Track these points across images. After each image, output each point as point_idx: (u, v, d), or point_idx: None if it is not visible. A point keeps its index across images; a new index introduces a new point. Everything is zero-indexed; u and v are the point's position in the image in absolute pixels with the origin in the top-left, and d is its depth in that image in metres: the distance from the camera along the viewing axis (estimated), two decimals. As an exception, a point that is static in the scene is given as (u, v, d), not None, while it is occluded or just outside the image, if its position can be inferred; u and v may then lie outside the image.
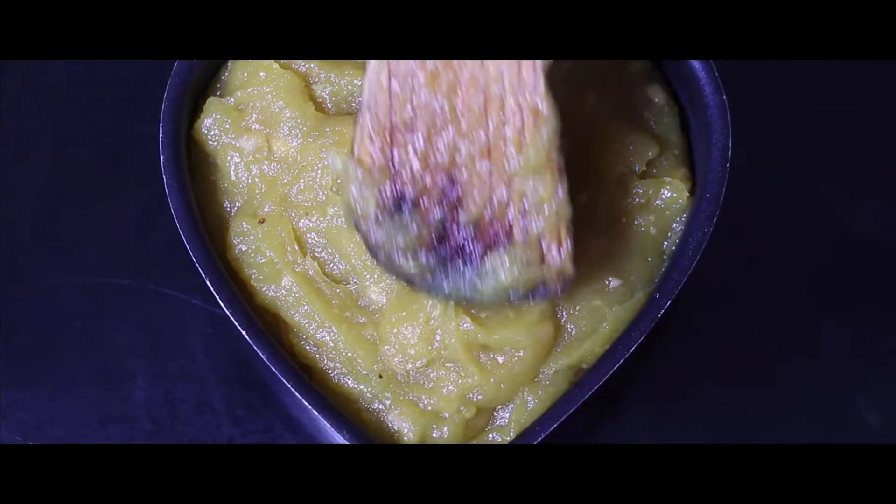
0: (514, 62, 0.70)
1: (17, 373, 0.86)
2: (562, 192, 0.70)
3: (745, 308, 0.88)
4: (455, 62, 0.71)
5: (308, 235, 0.81)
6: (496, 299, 0.72)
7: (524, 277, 0.71)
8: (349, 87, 0.83)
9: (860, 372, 0.87)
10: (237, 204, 0.82)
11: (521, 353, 0.77)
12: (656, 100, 0.84)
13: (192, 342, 0.86)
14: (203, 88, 0.85)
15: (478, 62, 0.70)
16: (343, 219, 0.80)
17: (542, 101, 0.70)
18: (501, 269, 0.71)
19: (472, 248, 0.71)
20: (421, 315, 0.77)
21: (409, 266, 0.72)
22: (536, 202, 0.70)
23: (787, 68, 0.93)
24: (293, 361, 0.79)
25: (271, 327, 0.80)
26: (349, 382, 0.79)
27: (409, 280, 0.73)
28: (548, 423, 0.76)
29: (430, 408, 0.78)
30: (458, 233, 0.71)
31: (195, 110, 0.83)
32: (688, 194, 0.80)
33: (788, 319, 0.88)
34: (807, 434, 0.85)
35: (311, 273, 0.80)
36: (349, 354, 0.79)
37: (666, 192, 0.80)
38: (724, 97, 0.79)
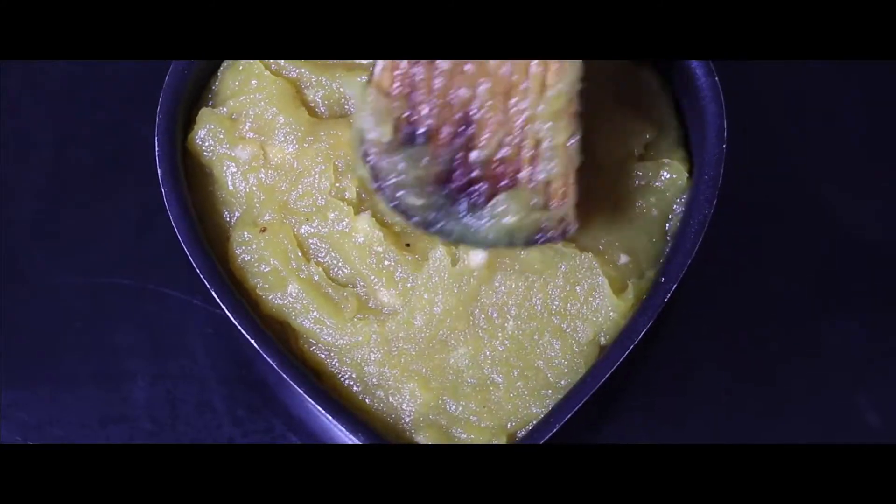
0: None
1: (17, 373, 0.86)
2: (575, 140, 0.70)
3: (746, 308, 0.88)
4: None
5: (310, 241, 0.81)
6: (497, 242, 0.72)
7: (528, 221, 0.71)
8: (341, 89, 0.83)
9: (860, 372, 0.87)
10: (236, 213, 0.82)
11: None
12: (651, 85, 0.84)
13: (192, 342, 0.86)
14: (196, 99, 0.85)
15: None
16: (345, 222, 0.80)
17: None
18: (506, 212, 0.71)
19: (479, 188, 0.71)
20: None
21: (414, 202, 0.71)
22: (550, 147, 0.70)
23: (786, 68, 0.93)
24: (304, 367, 0.79)
25: (279, 335, 0.80)
26: (356, 386, 0.79)
27: (410, 217, 0.72)
28: (553, 423, 0.76)
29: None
30: (468, 171, 0.71)
31: (189, 121, 0.84)
32: (687, 175, 0.81)
33: (788, 319, 0.88)
34: (807, 434, 0.85)
35: (316, 278, 0.80)
36: (360, 357, 0.79)
37: (665, 173, 0.81)
38: (716, 79, 0.80)
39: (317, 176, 0.81)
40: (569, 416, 0.75)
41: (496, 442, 0.77)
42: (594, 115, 0.81)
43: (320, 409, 0.76)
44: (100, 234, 0.89)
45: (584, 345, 0.79)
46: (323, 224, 0.80)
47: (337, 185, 0.81)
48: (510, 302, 0.79)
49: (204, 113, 0.83)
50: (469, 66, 0.70)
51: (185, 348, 0.86)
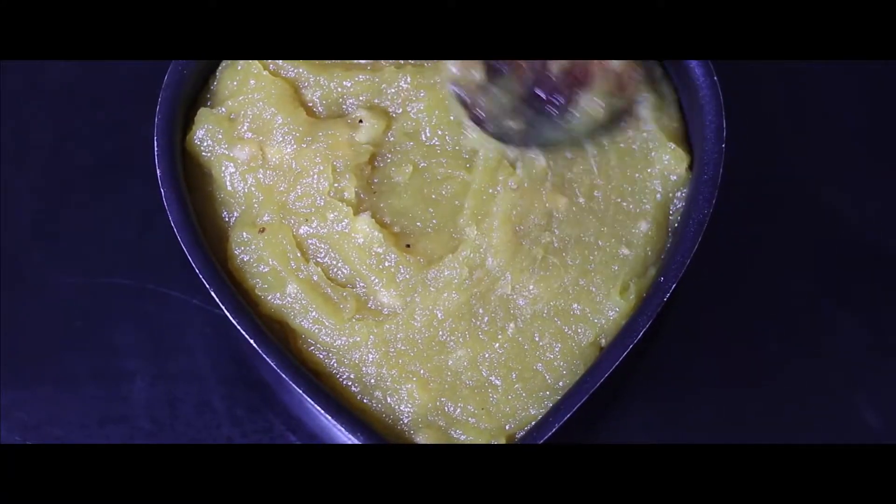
0: None
1: (17, 373, 0.85)
2: None
3: (745, 308, 0.88)
4: None
5: (309, 242, 0.81)
6: (590, 132, 0.80)
7: (610, 108, 0.79)
8: (339, 89, 0.84)
9: (860, 372, 0.87)
10: (235, 214, 0.82)
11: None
12: (653, 74, 0.85)
13: (192, 342, 0.86)
14: (194, 99, 0.85)
15: None
16: (344, 223, 0.80)
17: None
18: (591, 104, 0.78)
19: (564, 93, 0.78)
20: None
21: (511, 125, 0.78)
22: None
23: (786, 68, 0.93)
24: (304, 368, 0.79)
25: (278, 335, 0.80)
26: (355, 387, 0.79)
27: (510, 140, 0.80)
28: (553, 423, 0.76)
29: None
30: (551, 84, 0.78)
31: (189, 121, 0.84)
32: (686, 165, 0.81)
33: (788, 319, 0.88)
34: (807, 434, 0.85)
35: (315, 279, 0.80)
36: (358, 357, 0.79)
37: (666, 157, 0.81)
38: (716, 79, 0.80)
39: (315, 176, 0.81)
40: (568, 415, 0.75)
41: (495, 443, 0.77)
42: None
43: (320, 408, 0.76)
44: (100, 234, 0.89)
45: (584, 347, 0.79)
46: (322, 225, 0.80)
47: (336, 185, 0.81)
48: (518, 302, 0.79)
49: (202, 113, 0.83)
50: None
51: (185, 348, 0.86)
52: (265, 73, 0.83)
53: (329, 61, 0.84)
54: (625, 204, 0.81)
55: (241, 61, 0.84)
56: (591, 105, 0.78)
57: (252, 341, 0.76)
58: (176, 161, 0.81)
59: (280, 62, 0.84)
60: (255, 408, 0.85)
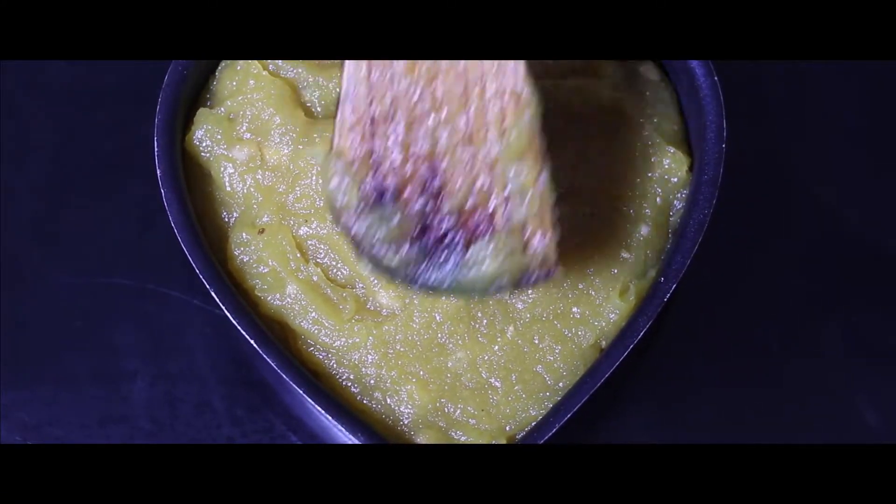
0: None
1: (17, 373, 0.86)
2: (545, 177, 0.69)
3: (745, 308, 0.88)
4: None
5: (309, 242, 0.81)
6: (482, 290, 0.71)
7: (509, 266, 0.70)
8: (337, 90, 0.83)
9: (860, 372, 0.87)
10: (235, 214, 0.82)
11: None
12: (651, 77, 0.85)
13: (191, 342, 0.86)
14: (194, 99, 0.85)
15: None
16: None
17: (522, 85, 0.69)
18: (486, 259, 0.70)
19: (455, 237, 0.70)
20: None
21: (393, 259, 0.70)
22: (519, 188, 0.69)
23: (786, 68, 0.93)
24: (304, 368, 0.79)
25: (278, 335, 0.80)
26: (355, 388, 0.79)
27: (392, 273, 0.71)
28: (553, 423, 0.76)
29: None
30: (441, 222, 0.70)
31: (189, 121, 0.84)
32: (687, 168, 0.81)
33: (788, 319, 0.88)
34: (807, 434, 0.85)
35: (315, 279, 0.80)
36: (357, 358, 0.79)
37: (667, 161, 0.81)
38: (716, 79, 0.80)
39: (314, 178, 0.81)
40: (568, 416, 0.75)
41: (496, 444, 0.77)
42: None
43: (320, 409, 0.76)
44: (100, 234, 0.89)
45: (584, 349, 0.79)
46: (322, 225, 0.80)
47: (335, 184, 0.81)
48: (517, 306, 0.79)
49: (202, 113, 0.83)
50: (429, 117, 0.70)
51: (185, 348, 0.86)
52: (265, 73, 0.83)
53: (328, 62, 0.84)
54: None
55: (241, 61, 0.84)
56: (483, 257, 0.70)
57: (252, 342, 0.77)
58: (176, 161, 0.81)
59: (279, 62, 0.84)
60: (256, 408, 0.85)
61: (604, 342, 0.79)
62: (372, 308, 0.80)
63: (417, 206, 0.70)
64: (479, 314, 0.79)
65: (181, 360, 0.86)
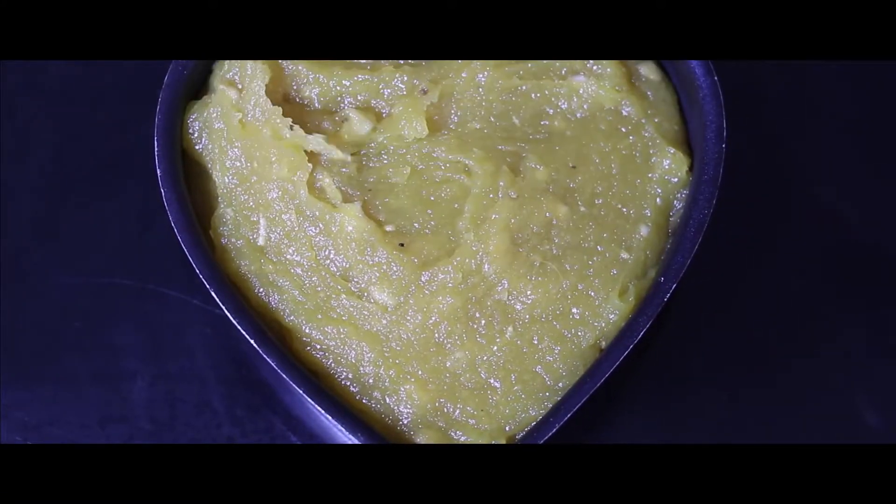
0: None
1: (17, 373, 0.86)
2: None
3: (745, 308, 0.88)
4: None
5: (301, 236, 0.81)
6: None
7: None
8: (337, 87, 0.84)
9: (860, 372, 0.87)
10: (222, 205, 0.82)
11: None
12: (651, 77, 0.85)
13: (191, 342, 0.86)
14: (194, 98, 0.85)
15: None
16: (335, 216, 0.80)
17: None
18: None
19: None
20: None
21: None
22: None
23: (786, 68, 0.93)
24: (303, 368, 0.79)
25: (277, 335, 0.80)
26: (354, 387, 0.79)
27: None
28: (553, 423, 0.76)
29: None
30: None
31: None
32: (687, 168, 0.82)
33: (788, 319, 0.88)
34: (807, 434, 0.85)
35: (313, 278, 0.80)
36: (354, 356, 0.79)
37: (667, 161, 0.81)
38: (716, 79, 0.81)
39: (303, 169, 0.81)
40: (568, 416, 0.75)
41: (495, 444, 0.77)
42: (594, 106, 0.82)
43: (320, 409, 0.76)
44: (100, 234, 0.89)
45: (584, 349, 0.79)
46: (314, 218, 0.80)
47: (325, 179, 0.81)
48: (515, 307, 0.79)
49: (199, 110, 0.83)
50: None
51: (185, 348, 0.86)
52: (260, 71, 0.82)
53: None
54: (625, 210, 0.81)
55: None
56: None
57: (252, 341, 0.77)
58: (176, 161, 0.81)
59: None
60: (256, 408, 0.85)
61: (603, 342, 0.79)
62: (367, 306, 0.79)
63: None
64: (478, 314, 0.79)
65: (181, 360, 0.86)
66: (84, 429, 0.85)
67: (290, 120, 0.81)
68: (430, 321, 0.79)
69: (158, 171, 0.79)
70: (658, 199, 0.82)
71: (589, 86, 0.83)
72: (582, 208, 0.81)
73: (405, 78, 0.83)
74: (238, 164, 0.82)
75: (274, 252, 0.81)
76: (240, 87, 0.83)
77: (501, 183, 0.81)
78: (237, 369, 0.86)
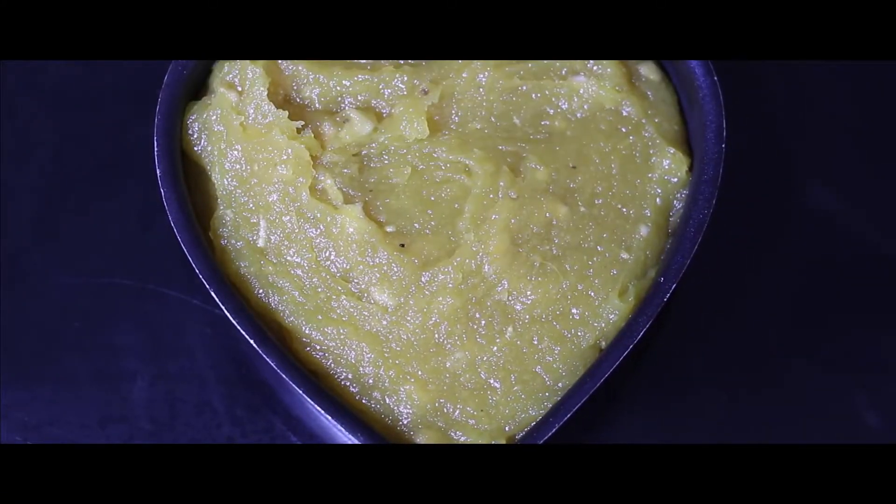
0: None
1: (17, 373, 0.86)
2: None
3: (745, 308, 0.88)
4: None
5: (302, 237, 0.81)
6: None
7: None
8: (337, 87, 0.84)
9: (860, 372, 0.87)
10: (222, 207, 0.82)
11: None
12: (651, 77, 0.85)
13: (191, 342, 0.86)
14: (194, 98, 0.85)
15: None
16: (336, 217, 0.80)
17: None
18: None
19: None
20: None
21: None
22: None
23: (786, 68, 0.93)
24: (302, 368, 0.79)
25: (277, 335, 0.80)
26: (354, 387, 0.79)
27: None
28: (553, 423, 0.76)
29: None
30: None
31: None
32: (686, 168, 0.82)
33: (788, 319, 0.88)
34: (807, 434, 0.85)
35: (314, 279, 0.80)
36: (354, 357, 0.79)
37: (667, 161, 0.81)
38: (716, 78, 0.81)
39: (307, 172, 0.81)
40: (568, 416, 0.75)
41: (495, 444, 0.77)
42: (594, 106, 0.82)
43: (320, 409, 0.76)
44: (100, 234, 0.89)
45: (584, 350, 0.79)
46: (314, 219, 0.80)
47: (327, 181, 0.81)
48: (515, 307, 0.79)
49: (198, 111, 0.83)
50: None
51: (185, 348, 0.86)
52: (260, 71, 0.82)
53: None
54: (625, 210, 0.81)
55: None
56: None
57: (252, 341, 0.77)
58: (176, 161, 0.81)
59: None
60: (256, 408, 0.85)
61: (603, 343, 0.79)
62: (367, 306, 0.79)
63: None
64: (478, 315, 0.79)
65: (181, 360, 0.86)
66: (84, 429, 0.85)
67: (299, 123, 0.81)
68: (431, 321, 0.79)
69: (158, 171, 0.80)
70: (658, 199, 0.82)
71: (589, 86, 0.83)
72: (582, 208, 0.81)
73: (405, 78, 0.83)
74: (238, 166, 0.82)
75: (274, 253, 0.81)
76: (239, 89, 0.83)
77: (502, 183, 0.81)
78: (237, 369, 0.86)
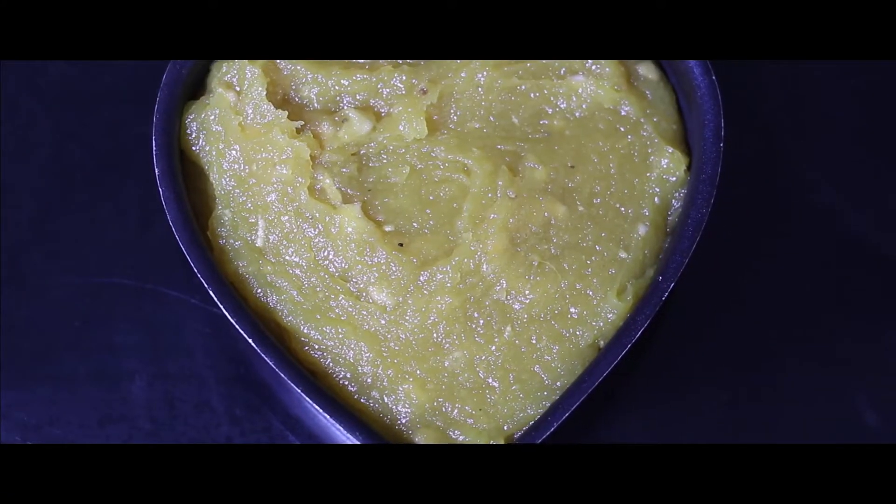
0: None
1: (17, 373, 0.86)
2: None
3: (744, 308, 0.88)
4: None
5: (300, 237, 0.81)
6: None
7: None
8: (336, 87, 0.84)
9: (860, 372, 0.87)
10: (221, 207, 0.82)
11: None
12: (650, 77, 0.85)
13: (191, 342, 0.86)
14: (193, 97, 0.85)
15: None
16: (334, 217, 0.80)
17: None
18: None
19: None
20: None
21: None
22: None
23: (786, 68, 0.93)
24: (301, 367, 0.79)
25: (276, 335, 0.80)
26: (352, 386, 0.79)
27: None
28: (551, 422, 0.76)
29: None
30: None
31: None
32: (685, 167, 0.82)
33: (787, 319, 0.88)
34: (806, 434, 0.85)
35: (312, 278, 0.80)
36: (352, 356, 0.79)
37: (665, 160, 0.82)
38: (714, 78, 0.81)
39: (307, 171, 0.81)
40: (566, 415, 0.75)
41: (493, 443, 0.77)
42: (594, 105, 0.82)
43: (318, 408, 0.76)
44: (99, 234, 0.89)
45: (582, 349, 0.79)
46: (313, 219, 0.80)
47: (326, 180, 0.81)
48: (514, 306, 0.79)
49: (196, 110, 0.83)
50: None
51: (184, 348, 0.86)
52: (259, 70, 0.82)
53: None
54: (623, 209, 0.81)
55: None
56: None
57: (251, 340, 0.77)
58: (174, 160, 0.81)
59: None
60: (254, 407, 0.85)
61: (602, 342, 0.79)
62: (365, 305, 0.79)
63: None
64: (476, 314, 0.79)
65: (180, 359, 0.86)
66: (83, 429, 0.85)
67: (298, 123, 0.81)
68: (429, 321, 0.79)
69: (157, 170, 0.80)
70: (656, 199, 0.82)
71: (588, 85, 0.83)
72: (580, 208, 0.81)
73: (404, 78, 0.83)
74: (236, 166, 0.82)
75: (272, 253, 0.81)
76: (238, 89, 0.83)
77: (500, 182, 0.81)
78: (236, 369, 0.86)
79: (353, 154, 0.82)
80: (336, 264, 0.80)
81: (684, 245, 0.78)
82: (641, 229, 0.81)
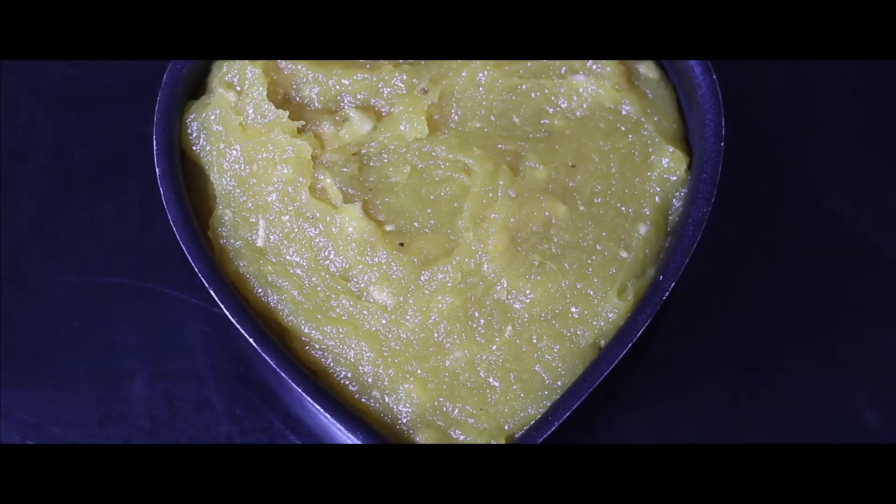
0: None
1: (17, 373, 0.86)
2: None
3: (744, 307, 0.88)
4: None
5: (301, 237, 0.81)
6: None
7: None
8: (337, 86, 0.84)
9: (860, 372, 0.87)
10: (221, 207, 0.82)
11: None
12: (650, 76, 0.85)
13: (190, 341, 0.86)
14: (193, 97, 0.85)
15: None
16: (335, 217, 0.80)
17: None
18: None
19: None
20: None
21: None
22: None
23: (786, 68, 0.93)
24: (301, 366, 0.79)
25: (276, 334, 0.80)
26: (353, 386, 0.79)
27: None
28: (552, 422, 0.76)
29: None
30: None
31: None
32: (685, 166, 0.82)
33: (788, 319, 0.88)
34: (806, 434, 0.85)
35: (313, 278, 0.80)
36: (353, 356, 0.79)
37: (666, 160, 0.82)
38: (714, 77, 0.81)
39: (308, 171, 0.81)
40: (567, 414, 0.75)
41: (494, 443, 0.77)
42: (593, 105, 0.82)
43: (319, 408, 0.76)
44: (99, 234, 0.89)
45: (583, 348, 0.79)
46: (314, 219, 0.80)
47: (327, 180, 0.81)
48: (514, 306, 0.79)
49: (196, 110, 0.83)
50: None
51: (184, 347, 0.86)
52: (259, 70, 0.83)
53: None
54: (624, 208, 0.81)
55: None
56: None
57: (251, 340, 0.77)
58: (174, 160, 0.81)
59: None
60: (255, 407, 0.85)
61: (602, 341, 0.79)
62: (366, 305, 0.79)
63: None
64: (477, 314, 0.79)
65: (180, 359, 0.86)
66: (83, 428, 0.85)
67: (299, 122, 0.81)
68: (430, 320, 0.79)
69: (157, 170, 0.80)
70: (657, 198, 0.82)
71: (588, 85, 0.83)
72: (581, 207, 0.81)
73: (405, 77, 0.83)
74: (237, 166, 0.82)
75: (273, 253, 0.81)
76: (238, 89, 0.83)
77: (501, 182, 0.81)
78: (236, 368, 0.86)
79: (353, 154, 0.82)
80: (337, 264, 0.80)
81: (685, 244, 0.78)
82: (642, 229, 0.81)
